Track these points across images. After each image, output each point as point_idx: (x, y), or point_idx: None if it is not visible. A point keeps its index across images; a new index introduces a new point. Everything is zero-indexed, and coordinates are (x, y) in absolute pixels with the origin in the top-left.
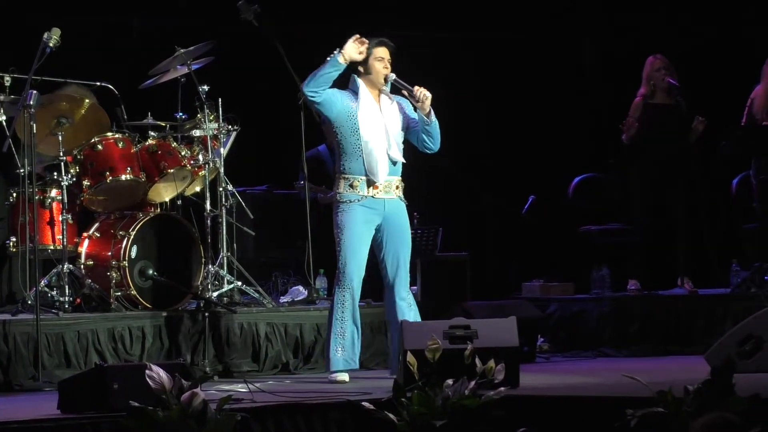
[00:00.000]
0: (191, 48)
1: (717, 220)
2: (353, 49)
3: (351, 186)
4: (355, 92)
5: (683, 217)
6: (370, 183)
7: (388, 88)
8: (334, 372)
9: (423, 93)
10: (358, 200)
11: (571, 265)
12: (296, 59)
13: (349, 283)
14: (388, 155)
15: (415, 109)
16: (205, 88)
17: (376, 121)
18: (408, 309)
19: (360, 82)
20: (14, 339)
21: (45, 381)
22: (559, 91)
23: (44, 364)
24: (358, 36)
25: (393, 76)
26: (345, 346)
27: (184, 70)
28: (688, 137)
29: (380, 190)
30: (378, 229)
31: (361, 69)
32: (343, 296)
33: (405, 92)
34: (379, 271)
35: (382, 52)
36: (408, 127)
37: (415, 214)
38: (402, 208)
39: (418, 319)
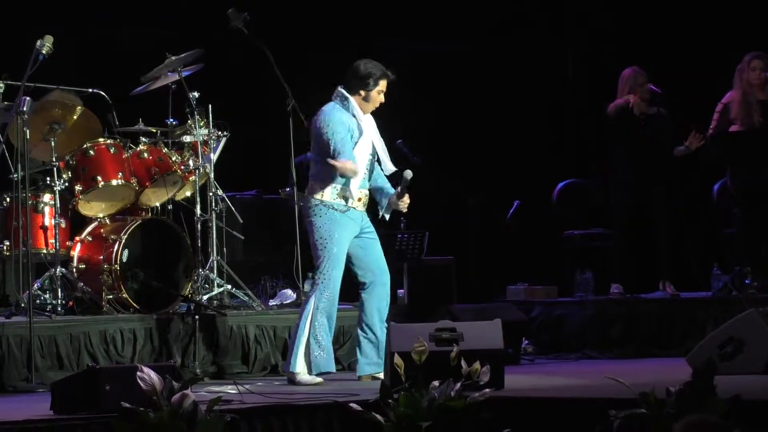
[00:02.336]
0: (182, 55)
1: (698, 224)
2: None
3: (342, 196)
4: (347, 109)
5: (664, 222)
6: (355, 196)
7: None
8: (313, 375)
9: (404, 206)
10: (346, 210)
11: (555, 269)
12: (285, 66)
13: (333, 289)
14: (381, 168)
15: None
16: (196, 94)
17: (367, 140)
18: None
19: (353, 102)
20: (7, 341)
21: (38, 382)
22: (543, 99)
23: (37, 365)
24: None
25: (410, 175)
26: (326, 351)
27: (175, 77)
28: (669, 144)
29: (360, 203)
30: (354, 240)
31: (361, 93)
32: (327, 302)
33: (399, 190)
34: (356, 277)
35: (383, 85)
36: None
37: (402, 219)
38: (367, 218)
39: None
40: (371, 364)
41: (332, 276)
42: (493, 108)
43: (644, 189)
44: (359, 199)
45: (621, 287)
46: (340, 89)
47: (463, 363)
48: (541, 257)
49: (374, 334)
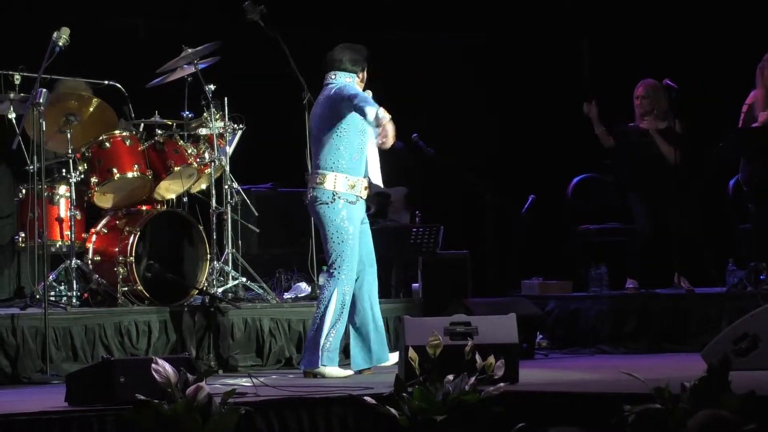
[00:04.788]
0: (198, 48)
1: (713, 220)
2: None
3: (351, 186)
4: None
5: (679, 218)
6: (362, 184)
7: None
8: (333, 366)
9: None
10: (356, 201)
11: (570, 263)
12: (301, 59)
13: (351, 281)
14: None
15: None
16: (212, 87)
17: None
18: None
19: (358, 85)
20: (22, 333)
21: (52, 374)
22: (558, 92)
23: (52, 357)
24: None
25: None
26: (341, 346)
27: (191, 69)
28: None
29: (365, 193)
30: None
31: (359, 75)
32: (345, 295)
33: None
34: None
35: None
36: None
37: (417, 212)
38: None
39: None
40: (365, 357)
41: (352, 269)
42: (509, 102)
43: (659, 185)
44: (365, 188)
45: (636, 282)
46: (342, 72)
47: (477, 357)
48: (555, 252)
49: (365, 326)
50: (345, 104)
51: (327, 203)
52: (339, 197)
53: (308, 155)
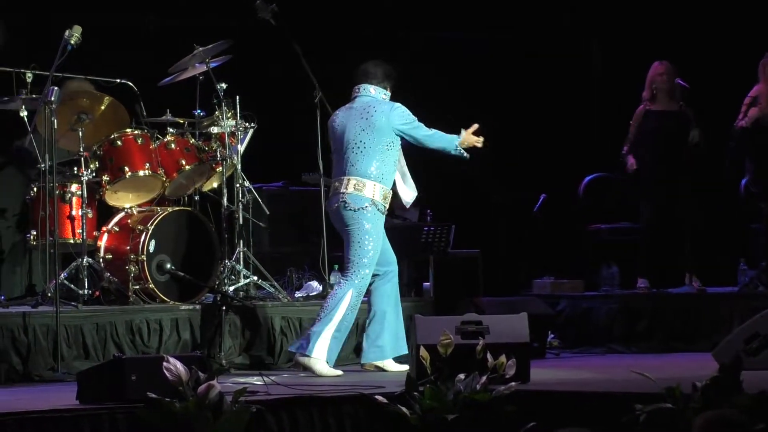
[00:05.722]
0: (209, 46)
1: (725, 219)
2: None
3: (384, 197)
4: None
5: (690, 217)
6: (390, 197)
7: None
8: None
9: None
10: (384, 211)
11: (581, 263)
12: (312, 57)
13: (365, 286)
14: None
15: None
16: (223, 85)
17: None
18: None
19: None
20: (34, 331)
21: (64, 372)
22: (569, 91)
23: (63, 355)
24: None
25: None
26: (340, 346)
27: (203, 68)
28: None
29: (387, 202)
30: None
31: (389, 92)
32: (358, 297)
33: None
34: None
35: None
36: None
37: (428, 212)
38: None
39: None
40: (376, 348)
41: (369, 275)
42: (520, 101)
43: (669, 184)
44: (385, 197)
45: (647, 282)
46: (382, 89)
47: (488, 356)
48: (567, 251)
49: (384, 319)
50: (406, 128)
51: (361, 209)
52: (374, 206)
53: (320, 155)
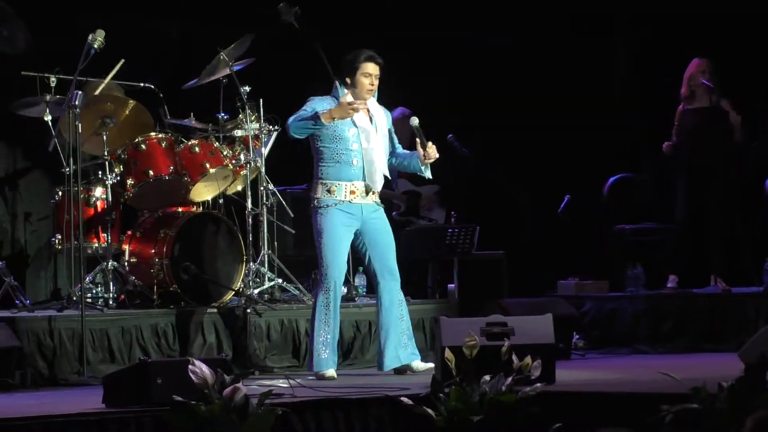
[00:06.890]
0: (231, 46)
1: (751, 219)
2: (343, 112)
3: (328, 191)
4: (335, 97)
5: (717, 217)
6: (345, 189)
7: (386, 116)
8: (322, 371)
9: (433, 152)
10: (335, 205)
11: (606, 263)
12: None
13: (330, 286)
14: (376, 163)
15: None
16: (247, 88)
17: (368, 129)
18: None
19: (341, 89)
20: (60, 334)
21: (90, 376)
22: (594, 92)
23: (89, 359)
24: (352, 101)
25: (416, 121)
26: (330, 348)
27: (226, 71)
28: (729, 138)
29: (355, 196)
30: (357, 234)
31: (347, 80)
32: (328, 298)
33: (418, 141)
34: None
35: (371, 68)
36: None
37: (453, 213)
38: (380, 212)
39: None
40: (392, 357)
41: (328, 274)
42: (545, 101)
43: (702, 183)
44: (352, 192)
45: (676, 279)
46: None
47: (514, 357)
48: (592, 252)
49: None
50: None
51: (312, 210)
52: (318, 202)
53: None
